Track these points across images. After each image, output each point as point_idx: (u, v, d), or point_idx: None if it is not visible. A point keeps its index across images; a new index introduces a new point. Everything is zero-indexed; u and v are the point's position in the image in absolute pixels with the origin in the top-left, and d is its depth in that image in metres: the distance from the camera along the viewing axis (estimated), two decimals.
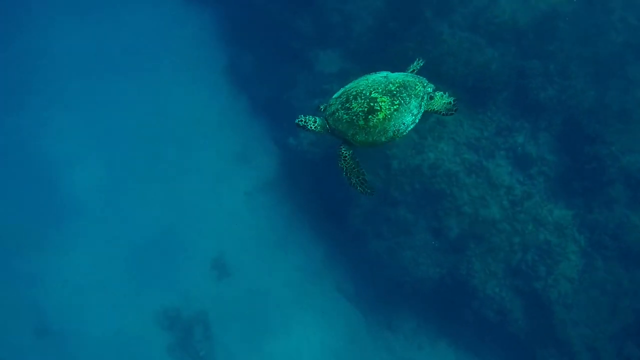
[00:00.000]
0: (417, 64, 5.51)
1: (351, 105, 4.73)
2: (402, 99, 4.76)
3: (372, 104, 4.68)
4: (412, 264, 11.56)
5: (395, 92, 4.76)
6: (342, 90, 5.06)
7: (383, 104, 4.69)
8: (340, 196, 12.35)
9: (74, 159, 15.62)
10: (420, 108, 4.89)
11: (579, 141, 10.75)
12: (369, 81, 4.90)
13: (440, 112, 5.12)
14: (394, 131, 4.77)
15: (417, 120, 4.91)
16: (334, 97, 5.04)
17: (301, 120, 4.95)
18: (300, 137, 12.66)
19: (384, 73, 5.09)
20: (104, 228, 14.62)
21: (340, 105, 4.82)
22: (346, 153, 4.91)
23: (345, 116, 4.75)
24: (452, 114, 5.18)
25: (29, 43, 17.73)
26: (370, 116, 4.67)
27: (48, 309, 13.85)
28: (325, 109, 5.06)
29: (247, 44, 14.72)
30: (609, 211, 10.55)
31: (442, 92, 5.15)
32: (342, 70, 12.50)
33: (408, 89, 4.82)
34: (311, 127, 4.97)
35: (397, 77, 4.94)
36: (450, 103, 5.10)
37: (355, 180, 4.88)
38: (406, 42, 11.58)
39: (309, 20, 13.13)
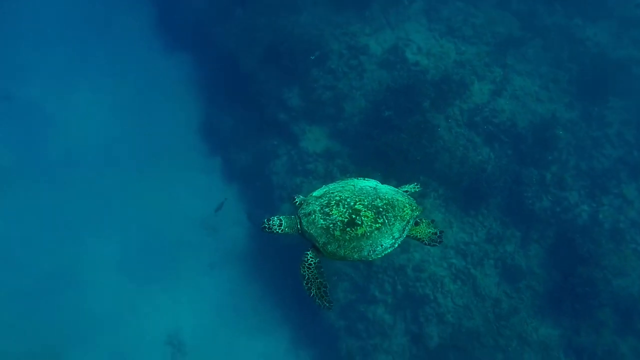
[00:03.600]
0: (414, 187, 5.24)
1: (331, 210, 4.34)
2: (387, 219, 4.39)
3: (353, 216, 4.28)
4: None
5: (381, 210, 4.39)
6: (324, 189, 4.61)
7: (365, 219, 4.31)
8: None
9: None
10: (403, 232, 4.49)
11: (572, 259, 10.30)
12: (356, 189, 4.52)
13: (423, 240, 4.78)
14: (369, 251, 4.34)
15: (396, 245, 4.48)
16: (313, 194, 4.60)
17: (265, 227, 4.51)
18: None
19: (374, 183, 4.73)
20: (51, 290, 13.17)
21: (319, 207, 4.39)
22: (311, 260, 4.46)
23: (321, 221, 4.33)
24: (434, 245, 4.84)
25: None
26: (348, 229, 4.26)
27: None
28: (300, 204, 4.61)
29: (227, 106, 13.77)
30: (597, 336, 10.10)
31: (428, 220, 4.84)
32: (328, 151, 11.73)
33: (395, 209, 4.46)
34: (277, 231, 4.50)
35: (387, 192, 4.58)
36: (435, 234, 4.78)
37: (315, 292, 4.41)
38: (401, 132, 10.97)
39: (298, 93, 12.35)
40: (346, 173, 11.41)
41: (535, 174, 10.66)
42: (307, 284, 4.43)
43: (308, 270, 4.44)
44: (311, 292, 4.40)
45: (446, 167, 10.90)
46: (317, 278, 4.44)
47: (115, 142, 14.34)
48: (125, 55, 15.63)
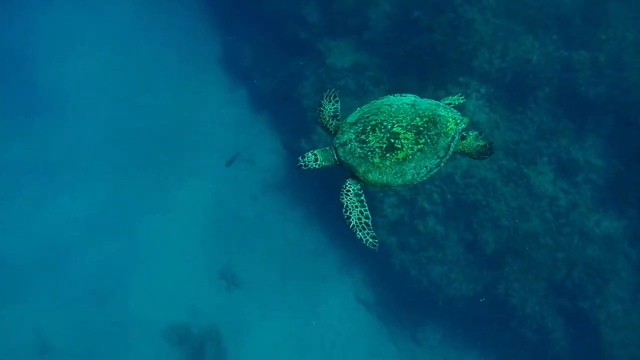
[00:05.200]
0: (458, 99, 4.77)
1: (368, 137, 4.06)
2: (429, 138, 4.04)
3: (392, 140, 4.01)
4: (444, 280, 10.59)
5: (422, 129, 4.04)
6: (358, 113, 4.25)
7: (405, 141, 4.01)
8: None
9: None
10: (449, 149, 4.11)
11: (634, 145, 9.55)
12: (393, 109, 4.14)
13: (472, 155, 4.41)
14: (414, 174, 4.07)
15: (442, 164, 4.13)
16: (347, 120, 4.27)
17: (301, 165, 4.33)
18: (313, 141, 11.33)
19: (412, 98, 4.30)
20: (101, 237, 13.44)
21: (354, 136, 4.11)
22: (350, 187, 4.19)
23: (358, 150, 4.08)
24: (484, 159, 4.49)
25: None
26: (388, 154, 4.01)
27: (51, 331, 12.84)
28: (334, 131, 4.41)
29: (245, 33, 13.01)
30: None
31: (476, 133, 4.43)
32: (357, 63, 11.00)
33: (438, 125, 4.06)
34: (313, 167, 4.31)
35: (427, 108, 4.14)
36: (485, 146, 4.36)
37: (356, 222, 4.13)
38: (433, 33, 10.08)
39: (315, 7, 11.46)
40: (379, 85, 10.73)
41: (587, 57, 9.70)
42: (346, 211, 4.19)
43: (347, 197, 4.19)
44: (351, 223, 4.15)
45: (486, 64, 10.04)
46: (357, 207, 4.18)
47: (132, 83, 14.01)
48: None
